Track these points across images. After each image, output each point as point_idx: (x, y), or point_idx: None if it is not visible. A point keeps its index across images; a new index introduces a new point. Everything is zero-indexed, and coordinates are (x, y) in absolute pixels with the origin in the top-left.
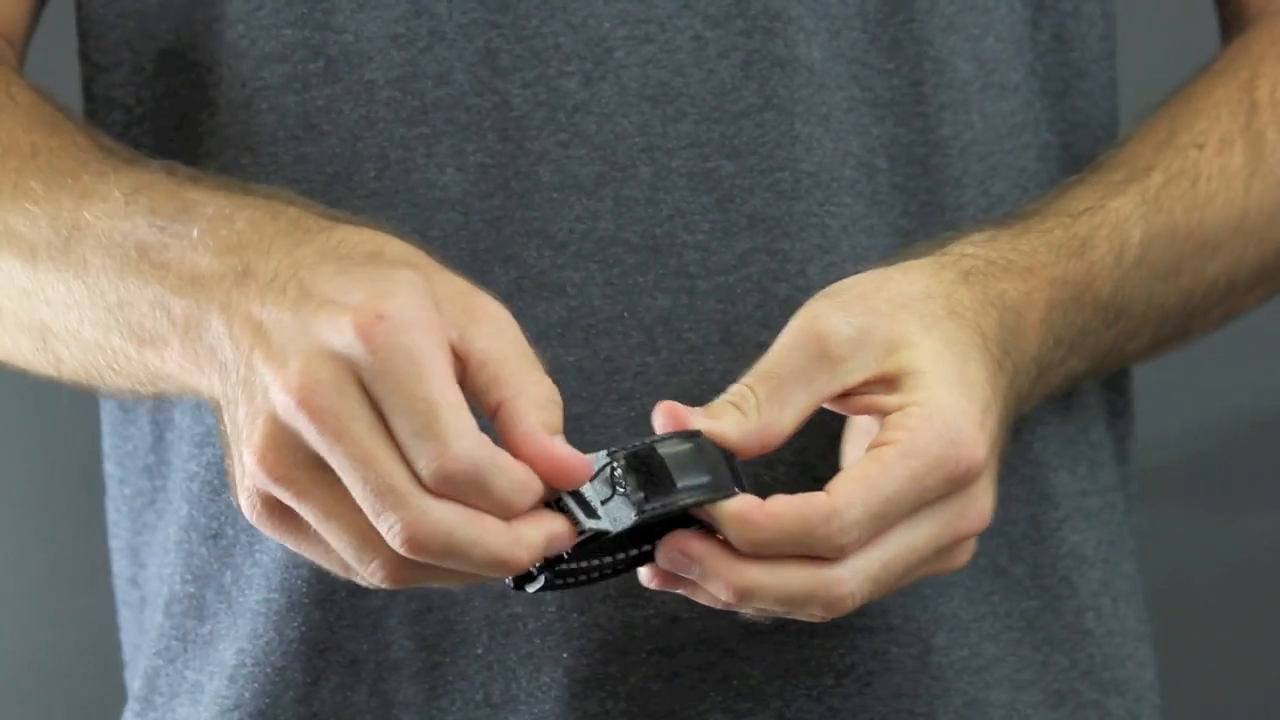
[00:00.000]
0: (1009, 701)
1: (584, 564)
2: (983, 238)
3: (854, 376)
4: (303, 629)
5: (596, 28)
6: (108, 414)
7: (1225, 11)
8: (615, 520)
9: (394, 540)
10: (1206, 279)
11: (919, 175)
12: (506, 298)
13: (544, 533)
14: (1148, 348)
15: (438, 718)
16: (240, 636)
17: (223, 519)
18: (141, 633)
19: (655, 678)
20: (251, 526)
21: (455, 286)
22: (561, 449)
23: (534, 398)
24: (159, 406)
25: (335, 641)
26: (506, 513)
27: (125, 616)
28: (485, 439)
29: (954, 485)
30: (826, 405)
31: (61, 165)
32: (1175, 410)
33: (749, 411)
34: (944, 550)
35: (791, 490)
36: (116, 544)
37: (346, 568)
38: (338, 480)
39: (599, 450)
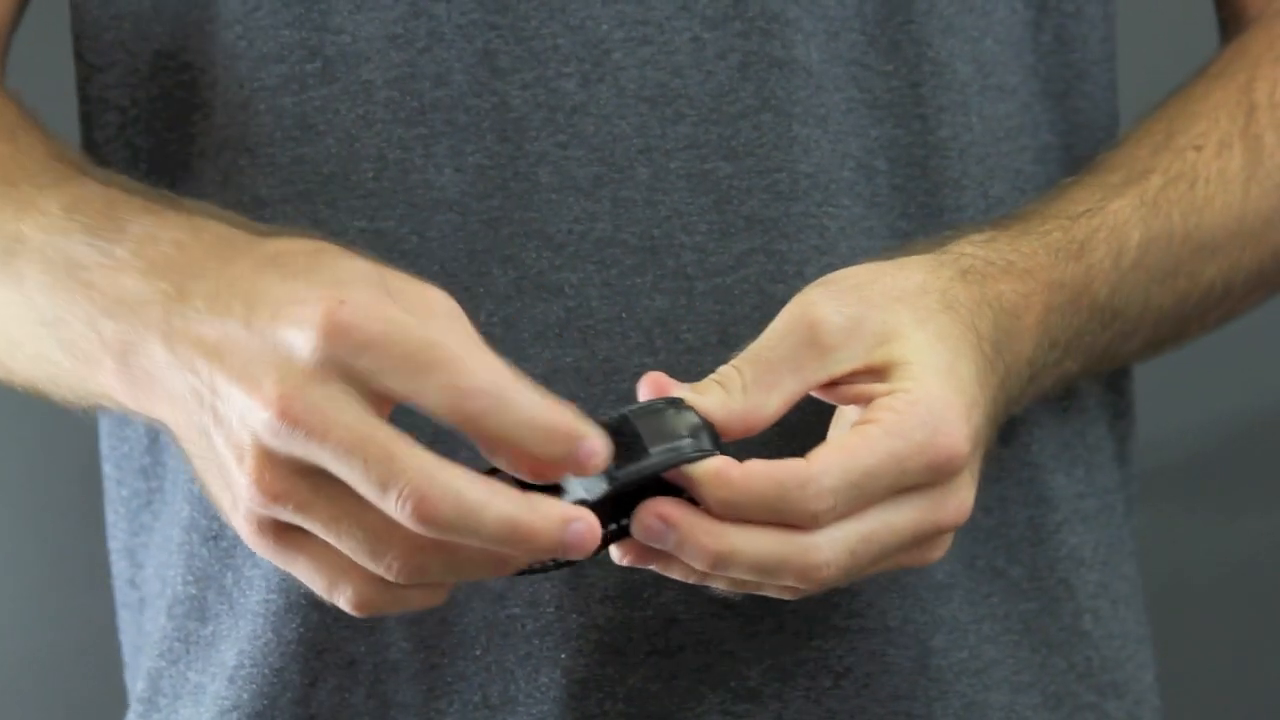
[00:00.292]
0: (1007, 704)
1: None
2: (982, 238)
3: (843, 366)
4: (301, 630)
5: (595, 29)
6: (104, 415)
7: (1224, 13)
8: (589, 490)
9: (404, 511)
10: (1204, 281)
11: (917, 177)
12: (504, 299)
13: (557, 504)
14: (1144, 349)
15: (435, 719)
16: (240, 638)
17: (223, 520)
18: (141, 634)
19: (653, 679)
20: None
21: (401, 280)
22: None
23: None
24: None
25: (333, 643)
26: (546, 441)
27: (124, 618)
28: (499, 362)
29: (934, 474)
30: (815, 393)
31: (8, 174)
32: (1175, 410)
33: (734, 392)
34: (921, 540)
35: None
36: (115, 545)
37: (330, 588)
38: (337, 482)
39: None
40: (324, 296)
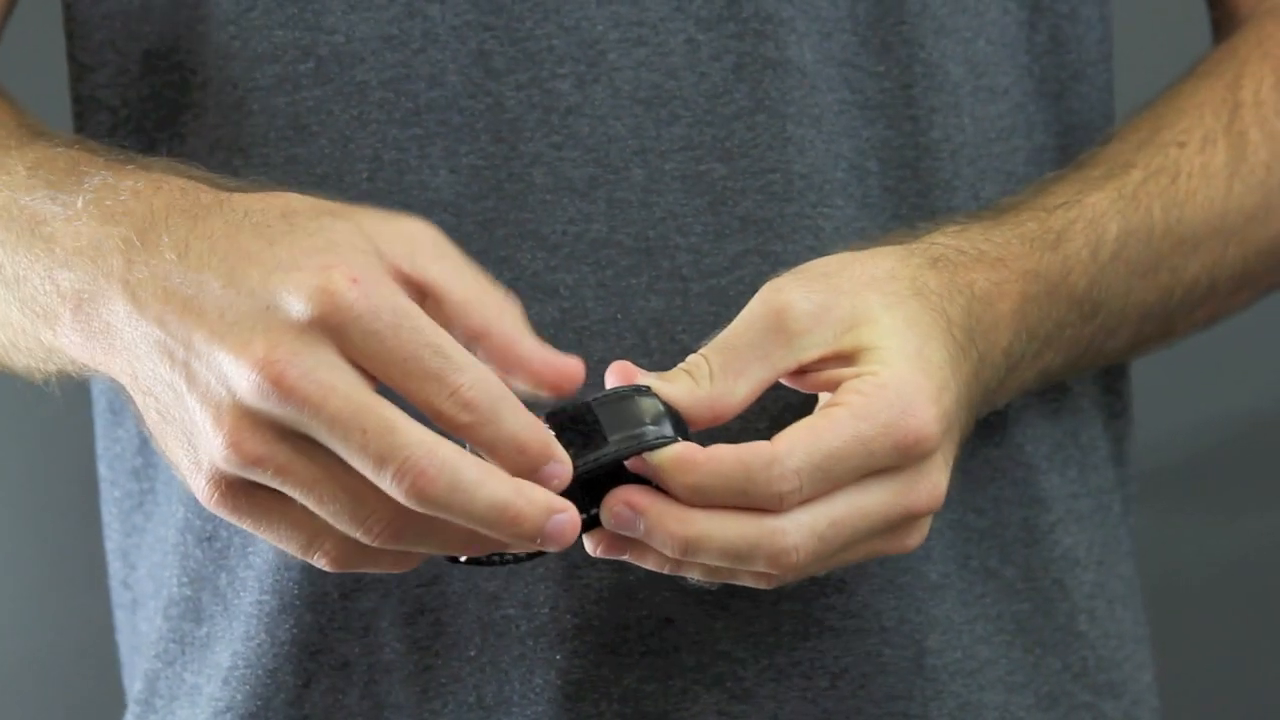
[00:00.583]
0: (1002, 704)
1: None
2: (954, 229)
3: (811, 352)
4: (294, 631)
5: (589, 30)
6: (99, 416)
7: (1216, 13)
8: None
9: (400, 483)
10: (1187, 277)
11: (909, 178)
12: None
13: (546, 493)
14: (1130, 346)
15: None
16: (234, 639)
17: (216, 521)
18: (136, 634)
19: (649, 679)
20: (245, 529)
21: (377, 219)
22: (568, 356)
23: (516, 315)
24: None
25: (327, 644)
26: (519, 454)
27: (120, 618)
28: (490, 371)
29: (903, 456)
30: (785, 381)
31: None
32: (1174, 410)
33: (701, 380)
34: (895, 526)
35: None
36: (110, 546)
37: (306, 548)
38: (318, 446)
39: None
40: (324, 265)
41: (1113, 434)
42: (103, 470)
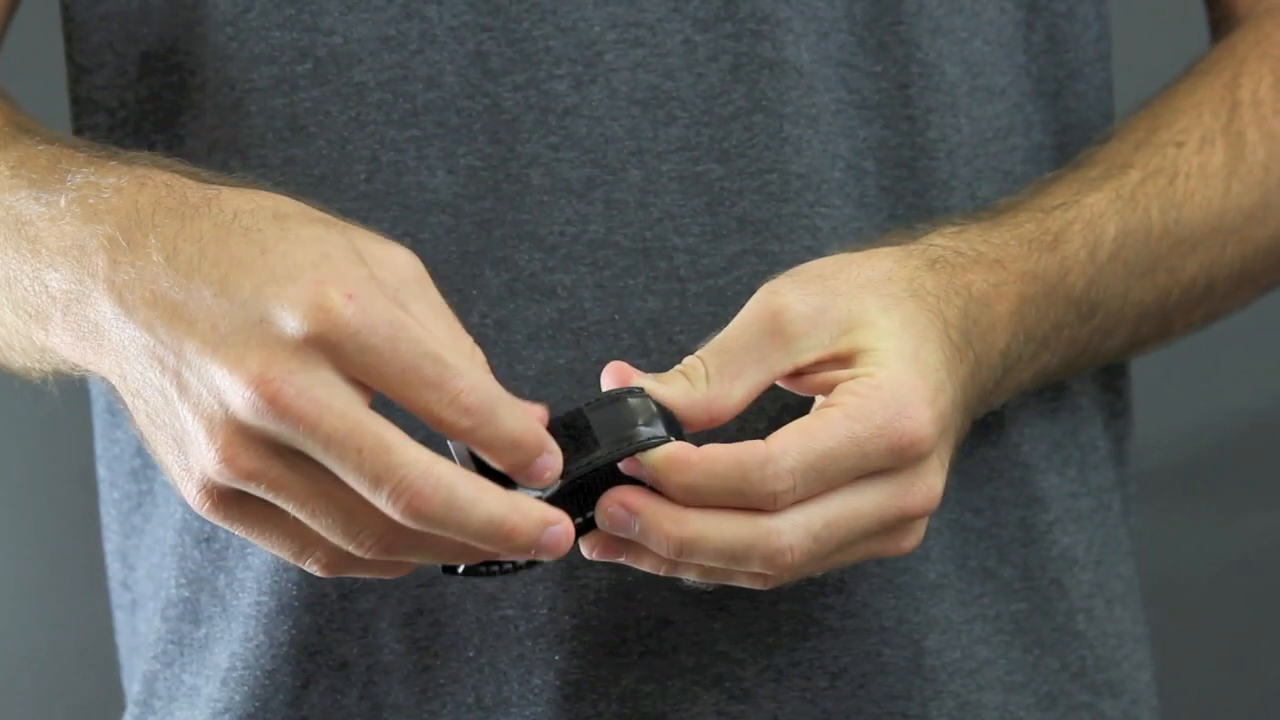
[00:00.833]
0: (1001, 704)
1: None
2: (952, 230)
3: (807, 355)
4: (293, 632)
5: (586, 31)
6: (98, 417)
7: (1214, 12)
8: (544, 488)
9: (397, 502)
10: (1185, 277)
11: (906, 178)
12: (497, 300)
13: (540, 506)
14: (1127, 346)
15: None
16: (232, 640)
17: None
18: (135, 635)
19: (647, 680)
20: None
21: (366, 240)
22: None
23: (482, 364)
24: None
25: (325, 645)
26: (515, 449)
27: (119, 619)
28: (490, 376)
29: (897, 457)
30: (781, 384)
31: None
32: (1175, 410)
33: (697, 381)
34: (890, 527)
35: None
36: (109, 547)
37: (298, 554)
38: (312, 462)
39: None
40: (319, 280)
41: (1113, 433)
42: (101, 471)
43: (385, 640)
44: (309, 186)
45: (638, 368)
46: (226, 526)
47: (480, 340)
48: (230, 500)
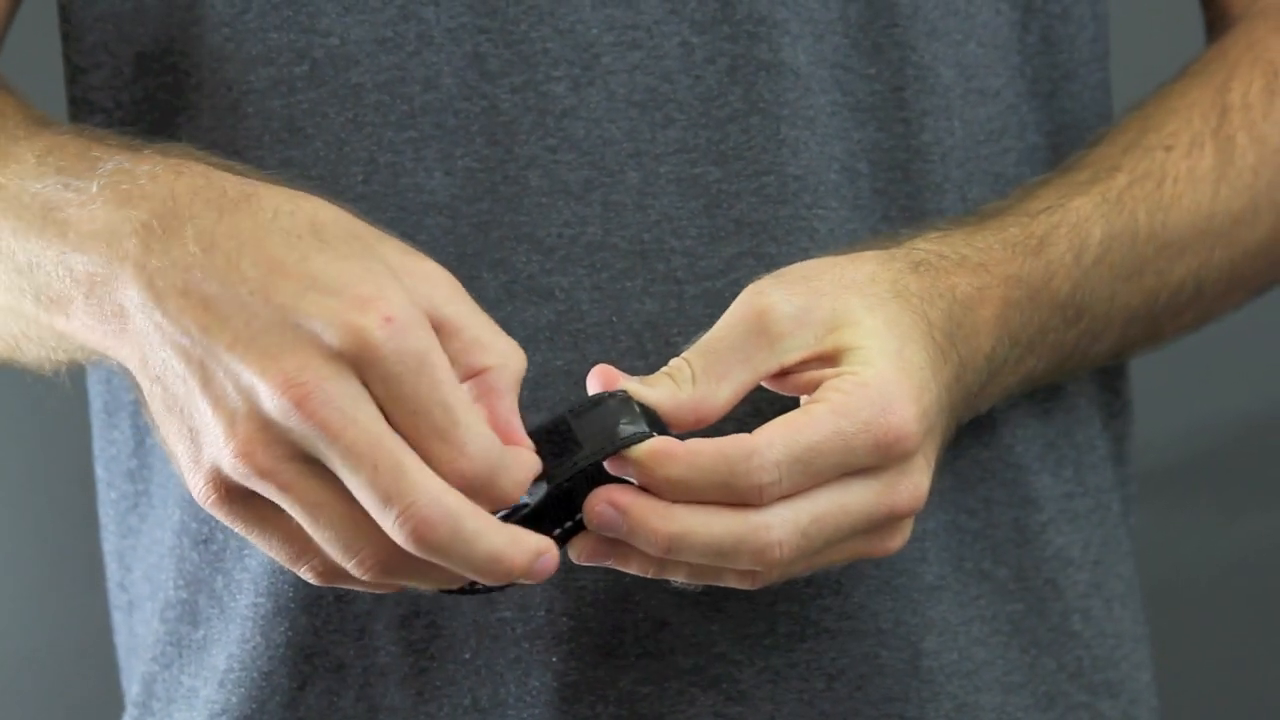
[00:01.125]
0: (999, 705)
1: None
2: (937, 234)
3: (792, 355)
4: (289, 634)
5: (584, 33)
6: (95, 417)
7: (1209, 13)
8: (531, 494)
9: (403, 526)
10: (1173, 281)
11: (899, 180)
12: (495, 302)
13: (535, 537)
14: (1116, 349)
15: None
16: (229, 641)
17: (213, 523)
18: (132, 636)
19: (645, 681)
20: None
21: (399, 253)
22: (527, 449)
23: (515, 371)
24: (139, 410)
25: (322, 647)
26: (502, 505)
27: (117, 620)
28: (495, 437)
29: (883, 454)
30: (767, 384)
31: None
32: (1175, 410)
33: (683, 383)
34: (877, 526)
35: None
36: (107, 548)
37: (294, 559)
38: (326, 472)
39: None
40: (362, 299)
41: (1111, 433)
42: (99, 471)
43: (382, 642)
44: (306, 188)
45: (635, 370)
46: (227, 522)
47: None
48: (236, 496)
